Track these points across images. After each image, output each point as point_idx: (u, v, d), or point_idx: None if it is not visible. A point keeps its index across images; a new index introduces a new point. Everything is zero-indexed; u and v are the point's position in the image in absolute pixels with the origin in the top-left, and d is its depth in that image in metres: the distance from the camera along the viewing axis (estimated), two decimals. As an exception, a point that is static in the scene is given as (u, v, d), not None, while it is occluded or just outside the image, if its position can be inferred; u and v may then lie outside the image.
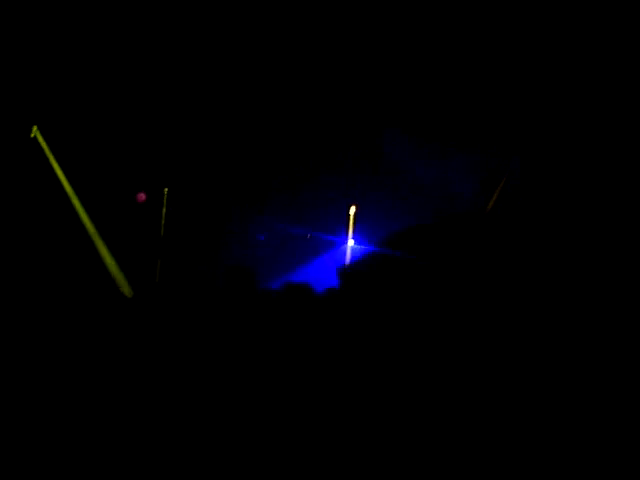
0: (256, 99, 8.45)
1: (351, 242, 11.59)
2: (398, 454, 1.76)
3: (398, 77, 7.83)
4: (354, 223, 11.00)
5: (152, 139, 8.75)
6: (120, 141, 8.75)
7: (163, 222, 8.65)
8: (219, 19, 7.52)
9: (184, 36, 7.65)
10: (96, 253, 8.36)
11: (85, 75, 8.12)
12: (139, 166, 8.86)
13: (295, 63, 7.79)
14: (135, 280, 8.26)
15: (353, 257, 11.45)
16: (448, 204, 8.93)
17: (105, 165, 8.77)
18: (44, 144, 8.52)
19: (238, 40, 7.69)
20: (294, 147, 9.19)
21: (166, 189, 8.69)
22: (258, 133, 8.91)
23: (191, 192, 8.96)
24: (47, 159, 8.50)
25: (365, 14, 7.47)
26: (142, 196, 8.63)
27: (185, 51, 7.97)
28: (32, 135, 8.50)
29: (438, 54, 7.66)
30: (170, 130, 8.70)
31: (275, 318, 2.75)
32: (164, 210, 8.68)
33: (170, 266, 8.01)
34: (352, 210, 10.69)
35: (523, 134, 7.39)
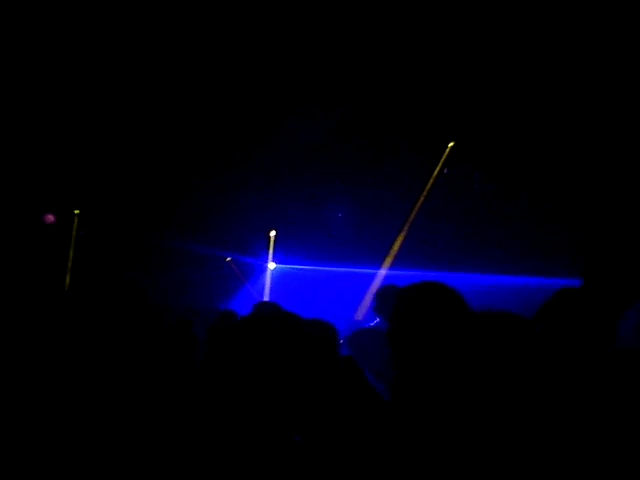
0: (176, 117, 8.23)
1: (272, 264, 11.51)
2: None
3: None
4: (274, 246, 10.93)
5: (63, 158, 8.36)
6: (30, 159, 8.31)
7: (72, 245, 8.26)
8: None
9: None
10: None
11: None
12: (48, 186, 8.44)
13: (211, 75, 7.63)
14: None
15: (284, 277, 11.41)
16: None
17: (13, 183, 8.30)
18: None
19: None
20: (213, 169, 9.01)
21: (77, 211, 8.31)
22: (175, 153, 8.68)
23: (103, 214, 8.62)
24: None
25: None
26: (50, 217, 8.21)
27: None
28: None
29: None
30: (82, 149, 8.34)
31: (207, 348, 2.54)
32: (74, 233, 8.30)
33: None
34: (272, 234, 10.62)
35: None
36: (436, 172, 7.30)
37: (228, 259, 10.45)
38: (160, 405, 2.32)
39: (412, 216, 7.61)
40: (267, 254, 11.02)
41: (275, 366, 2.01)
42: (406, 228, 7.67)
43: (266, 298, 10.92)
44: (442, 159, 7.26)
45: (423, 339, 1.62)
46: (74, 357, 2.99)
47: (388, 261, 7.74)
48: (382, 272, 7.82)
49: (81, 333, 3.43)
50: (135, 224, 8.93)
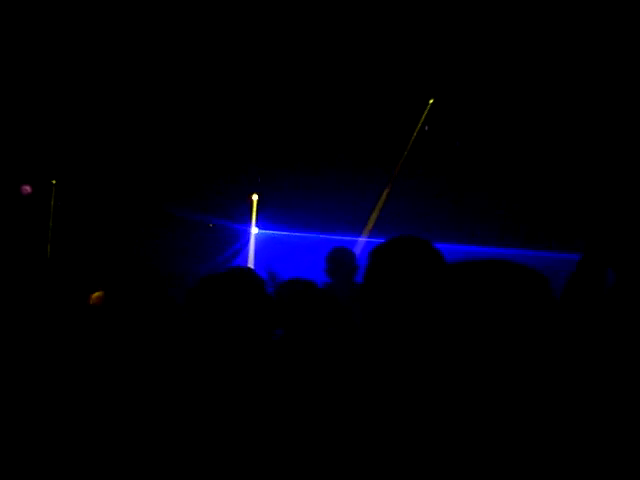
0: (156, 85, 8.05)
1: (254, 229, 11.45)
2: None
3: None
4: (256, 210, 10.86)
5: (40, 127, 8.18)
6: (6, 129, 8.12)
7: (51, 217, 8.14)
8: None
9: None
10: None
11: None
12: (25, 156, 8.28)
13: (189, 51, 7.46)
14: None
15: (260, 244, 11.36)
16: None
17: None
18: None
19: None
20: (195, 135, 8.88)
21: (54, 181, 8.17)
22: (155, 120, 8.52)
23: (81, 184, 8.49)
24: None
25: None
26: (27, 188, 8.06)
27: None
28: None
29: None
30: (61, 117, 8.15)
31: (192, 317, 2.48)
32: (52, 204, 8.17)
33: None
34: (254, 197, 10.54)
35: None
36: (417, 131, 7.24)
37: (211, 225, 10.38)
38: (140, 368, 2.29)
39: (393, 177, 7.57)
40: (250, 219, 10.95)
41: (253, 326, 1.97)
42: (387, 192, 7.62)
43: (250, 264, 10.88)
44: (422, 117, 7.19)
45: (400, 293, 1.56)
46: (60, 323, 2.97)
47: (368, 229, 7.71)
48: (363, 239, 7.78)
49: (66, 299, 3.40)
50: (113, 191, 8.82)
